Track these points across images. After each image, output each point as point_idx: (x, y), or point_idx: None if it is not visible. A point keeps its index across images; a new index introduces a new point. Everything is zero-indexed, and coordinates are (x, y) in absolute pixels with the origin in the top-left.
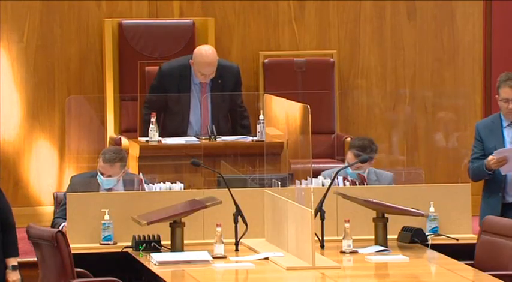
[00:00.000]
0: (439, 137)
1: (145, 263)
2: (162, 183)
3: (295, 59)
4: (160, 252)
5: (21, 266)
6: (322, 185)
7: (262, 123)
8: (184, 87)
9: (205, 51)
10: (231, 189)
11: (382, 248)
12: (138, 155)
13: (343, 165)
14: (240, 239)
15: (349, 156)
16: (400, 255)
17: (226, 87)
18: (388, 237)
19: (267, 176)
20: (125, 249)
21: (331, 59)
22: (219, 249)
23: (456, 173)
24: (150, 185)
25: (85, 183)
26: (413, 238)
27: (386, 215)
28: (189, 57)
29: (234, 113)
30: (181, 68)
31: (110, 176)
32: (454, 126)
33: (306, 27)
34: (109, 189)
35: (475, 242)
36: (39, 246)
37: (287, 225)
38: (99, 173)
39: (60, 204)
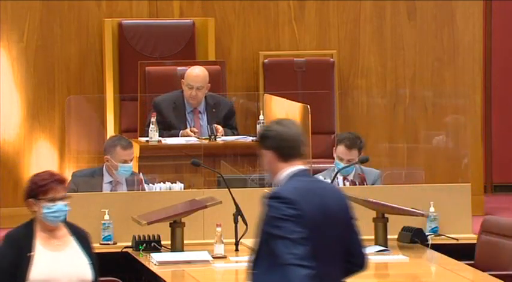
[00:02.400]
0: (440, 139)
1: (145, 263)
2: (162, 183)
3: (295, 59)
4: (160, 252)
5: None
6: None
7: (262, 123)
8: (178, 115)
9: (194, 67)
10: (231, 189)
11: (382, 248)
12: (138, 155)
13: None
14: (240, 239)
15: (341, 149)
16: (400, 255)
17: (219, 115)
18: (388, 237)
19: (267, 176)
20: (124, 249)
21: (331, 59)
22: (219, 249)
23: (456, 173)
24: (150, 185)
25: (89, 180)
26: (413, 238)
27: (386, 215)
28: (180, 90)
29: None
30: (173, 97)
31: (127, 161)
32: (454, 126)
33: (306, 27)
34: (113, 186)
35: (475, 242)
36: None
37: None
38: (120, 164)
39: None
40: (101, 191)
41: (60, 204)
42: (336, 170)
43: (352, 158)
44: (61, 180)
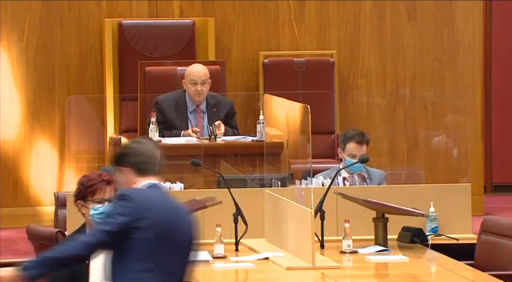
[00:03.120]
0: (440, 139)
1: None
2: (162, 183)
3: (295, 59)
4: None
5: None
6: (322, 185)
7: (262, 123)
8: (180, 114)
9: (193, 64)
10: (231, 189)
11: (382, 248)
12: None
13: (338, 165)
14: (240, 239)
15: (353, 146)
16: (400, 255)
17: (220, 115)
18: (388, 237)
19: (267, 176)
20: None
21: (331, 59)
22: (219, 249)
23: (456, 173)
24: None
25: None
26: (413, 238)
27: (386, 215)
28: (182, 90)
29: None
30: (175, 97)
31: None
32: (454, 126)
33: (306, 27)
34: None
35: (475, 242)
36: (40, 246)
37: (287, 225)
38: None
39: None
40: None
41: (107, 206)
42: (348, 170)
43: (363, 152)
44: (109, 181)
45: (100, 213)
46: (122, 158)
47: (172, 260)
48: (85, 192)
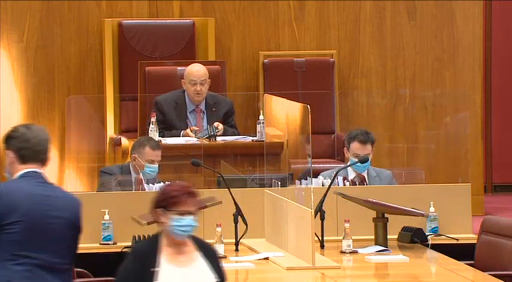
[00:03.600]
0: (440, 139)
1: None
2: (162, 183)
3: (295, 59)
4: None
5: None
6: (322, 185)
7: (262, 123)
8: (180, 114)
9: (193, 64)
10: (231, 189)
11: (382, 248)
12: None
13: (343, 165)
14: (240, 239)
15: (356, 146)
16: (400, 255)
17: (219, 114)
18: (388, 237)
19: (267, 176)
20: (124, 249)
21: (331, 59)
22: (219, 249)
23: (456, 173)
24: (150, 185)
25: (121, 178)
26: (413, 238)
27: (386, 215)
28: (181, 90)
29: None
30: (175, 97)
31: (154, 162)
32: (454, 126)
33: (306, 27)
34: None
35: (475, 242)
36: None
37: (287, 225)
38: (147, 164)
39: None
40: (132, 189)
41: (189, 219)
42: (355, 169)
43: (368, 152)
44: (193, 194)
45: (181, 226)
46: (7, 140)
47: (45, 251)
48: (168, 202)
